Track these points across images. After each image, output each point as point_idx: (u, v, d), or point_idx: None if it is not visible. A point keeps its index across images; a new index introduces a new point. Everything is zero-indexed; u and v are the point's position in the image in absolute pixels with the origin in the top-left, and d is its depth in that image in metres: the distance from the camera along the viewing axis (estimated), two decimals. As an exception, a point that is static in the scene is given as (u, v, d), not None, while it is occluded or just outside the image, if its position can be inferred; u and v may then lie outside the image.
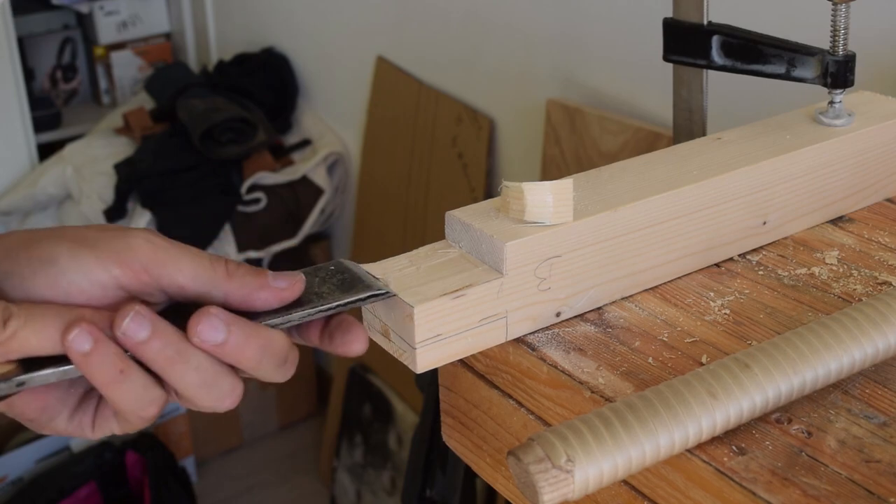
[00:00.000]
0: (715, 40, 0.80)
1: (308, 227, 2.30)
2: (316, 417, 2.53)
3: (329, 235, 2.48)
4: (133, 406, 0.49)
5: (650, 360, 0.59)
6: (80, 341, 0.47)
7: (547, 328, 0.62)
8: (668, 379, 0.53)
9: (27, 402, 0.50)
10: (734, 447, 0.52)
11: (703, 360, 0.59)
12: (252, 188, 2.24)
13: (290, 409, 2.52)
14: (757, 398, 0.52)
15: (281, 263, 2.29)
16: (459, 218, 0.62)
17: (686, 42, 0.82)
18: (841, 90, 0.74)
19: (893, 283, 0.67)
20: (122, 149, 2.32)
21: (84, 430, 0.52)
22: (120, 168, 2.21)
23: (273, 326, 0.52)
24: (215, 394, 0.50)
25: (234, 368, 0.51)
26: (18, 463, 2.04)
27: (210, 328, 0.49)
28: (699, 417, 0.50)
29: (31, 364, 0.48)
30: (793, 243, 0.72)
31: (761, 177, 0.69)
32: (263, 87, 2.38)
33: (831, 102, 0.75)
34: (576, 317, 0.64)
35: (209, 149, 2.20)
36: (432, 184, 2.01)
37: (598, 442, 0.48)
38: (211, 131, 2.19)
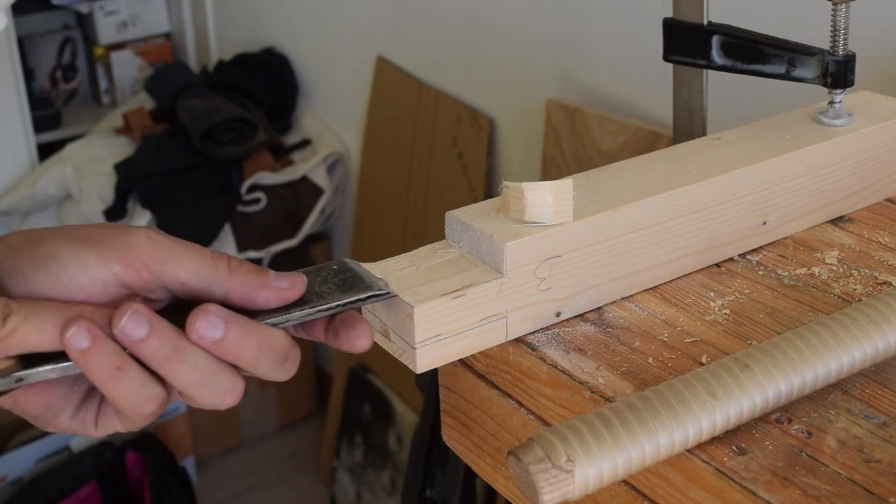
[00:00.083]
0: (715, 40, 0.80)
1: (308, 227, 2.30)
2: (316, 417, 2.53)
3: (329, 235, 2.48)
4: (131, 403, 0.49)
5: (650, 360, 0.59)
6: (78, 338, 0.47)
7: (547, 328, 0.62)
8: (668, 379, 0.53)
9: (31, 399, 0.50)
10: (734, 447, 0.52)
11: (703, 360, 0.59)
12: (252, 188, 2.24)
13: (290, 409, 2.52)
14: (757, 398, 0.52)
15: (281, 263, 2.29)
16: (459, 218, 0.62)
17: (686, 42, 0.82)
18: (841, 90, 0.74)
19: (893, 283, 0.67)
20: (122, 149, 2.32)
21: (87, 428, 0.53)
22: (120, 168, 2.21)
23: (272, 325, 0.52)
24: (215, 391, 0.51)
25: (234, 366, 0.51)
26: (18, 463, 2.04)
27: (208, 325, 0.49)
28: (699, 417, 0.50)
29: (30, 360, 0.48)
30: (793, 243, 0.72)
31: (761, 177, 0.69)
32: (263, 87, 2.38)
33: (831, 102, 0.75)
34: (576, 317, 0.64)
35: (209, 149, 2.20)
36: (432, 184, 2.01)
37: (598, 442, 0.48)
38: (211, 131, 2.19)
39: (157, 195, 2.17)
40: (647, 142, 1.48)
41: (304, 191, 2.29)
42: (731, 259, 0.70)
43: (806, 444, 0.52)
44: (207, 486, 2.35)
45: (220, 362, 0.50)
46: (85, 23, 2.74)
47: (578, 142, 1.59)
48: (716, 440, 0.52)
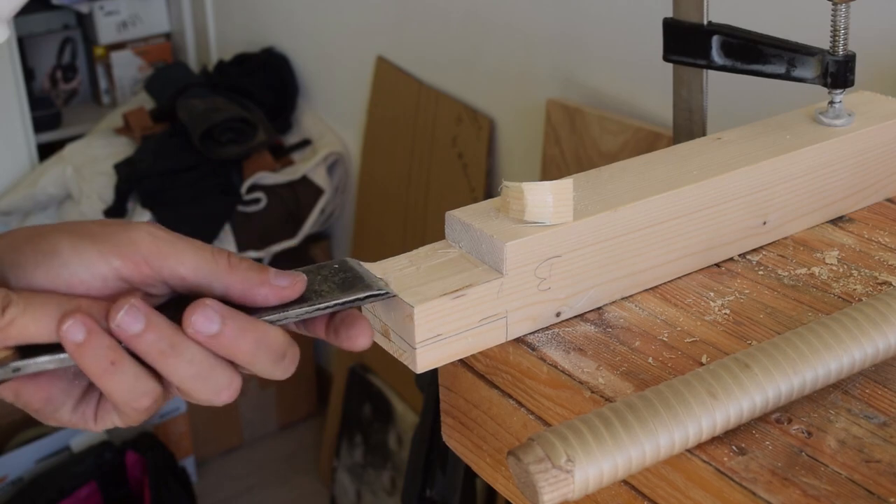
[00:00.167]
0: (715, 40, 0.80)
1: (308, 227, 2.30)
2: (316, 417, 2.53)
3: (329, 235, 2.48)
4: (125, 397, 0.50)
5: (650, 360, 0.59)
6: (74, 332, 0.48)
7: (547, 328, 0.62)
8: (668, 379, 0.53)
9: (33, 392, 0.51)
10: (734, 447, 0.52)
11: (703, 360, 0.59)
12: (252, 188, 2.24)
13: (290, 408, 2.52)
14: (757, 398, 0.52)
15: (281, 263, 2.28)
16: (459, 218, 0.62)
17: (686, 42, 0.82)
18: (841, 90, 0.74)
19: (893, 283, 0.67)
20: (122, 149, 2.32)
21: (87, 422, 0.53)
22: (120, 168, 2.22)
23: (270, 322, 0.52)
24: (211, 387, 0.51)
25: (231, 363, 0.51)
26: (18, 463, 2.04)
27: (204, 319, 0.49)
28: (699, 417, 0.50)
29: (28, 351, 0.49)
30: (793, 243, 0.72)
31: (761, 177, 0.69)
32: (263, 87, 2.38)
33: (831, 102, 0.75)
34: (576, 317, 0.64)
35: (209, 149, 2.20)
36: (432, 184, 2.01)
37: (598, 442, 0.48)
38: (211, 131, 2.19)
39: (157, 195, 2.17)
40: (647, 142, 1.48)
41: (304, 191, 2.29)
42: (731, 259, 0.70)
43: (806, 444, 0.52)
44: (207, 486, 2.35)
45: (217, 358, 0.51)
46: (85, 23, 2.74)
47: (578, 142, 1.59)
48: (716, 440, 0.52)
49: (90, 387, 0.53)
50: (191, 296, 0.51)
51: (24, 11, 2.59)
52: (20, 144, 2.39)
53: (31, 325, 0.48)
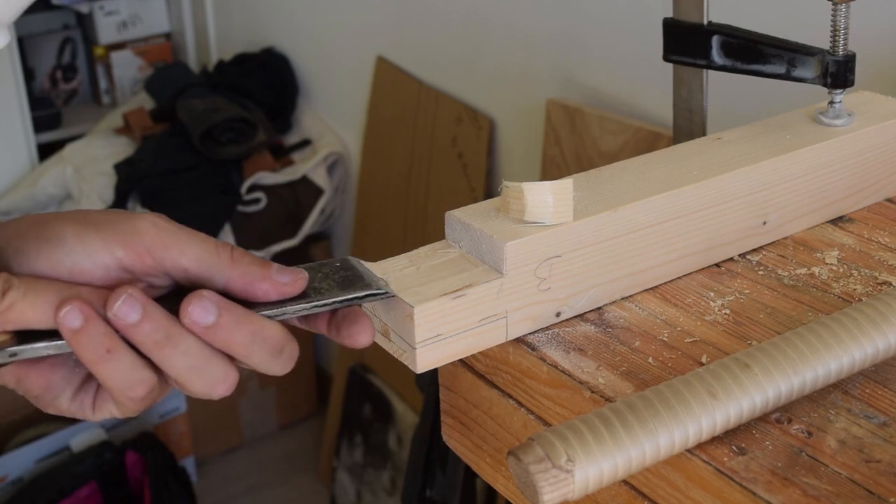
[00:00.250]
0: (715, 40, 0.80)
1: (308, 227, 2.30)
2: (316, 417, 2.53)
3: (329, 235, 2.48)
4: (120, 385, 0.50)
5: (650, 360, 0.59)
6: (71, 318, 0.48)
7: (547, 328, 0.63)
8: (669, 379, 0.53)
9: (33, 379, 0.51)
10: (734, 447, 0.52)
11: (704, 360, 0.59)
12: (252, 188, 2.24)
13: (290, 408, 2.52)
14: (757, 398, 0.52)
15: (281, 263, 2.28)
16: (459, 218, 0.62)
17: (686, 42, 0.82)
18: (841, 90, 0.74)
19: (893, 283, 0.67)
20: (122, 149, 2.32)
21: (85, 412, 0.53)
22: (120, 168, 2.22)
23: (268, 317, 0.52)
24: (206, 379, 0.51)
25: (228, 357, 0.51)
26: (18, 463, 2.04)
27: (201, 310, 0.50)
28: (699, 417, 0.50)
29: (27, 336, 0.49)
30: (793, 243, 0.72)
31: (761, 177, 0.69)
32: (263, 87, 2.38)
33: (831, 102, 0.75)
34: (576, 317, 0.64)
35: (209, 149, 2.20)
36: (432, 184, 2.01)
37: (598, 442, 0.48)
38: (211, 131, 2.19)
39: (157, 195, 2.17)
40: (647, 142, 1.48)
41: (304, 191, 2.29)
42: (731, 259, 0.70)
43: (806, 444, 0.52)
44: (207, 486, 2.35)
45: (213, 351, 0.51)
46: (85, 23, 2.74)
47: (578, 142, 1.59)
48: (716, 440, 0.52)
49: (90, 376, 0.53)
50: (191, 288, 0.52)
51: (24, 11, 2.59)
52: (20, 144, 2.39)
53: (30, 310, 0.48)
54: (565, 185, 0.60)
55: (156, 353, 0.50)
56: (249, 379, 2.38)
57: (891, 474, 0.50)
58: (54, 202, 2.32)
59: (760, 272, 0.69)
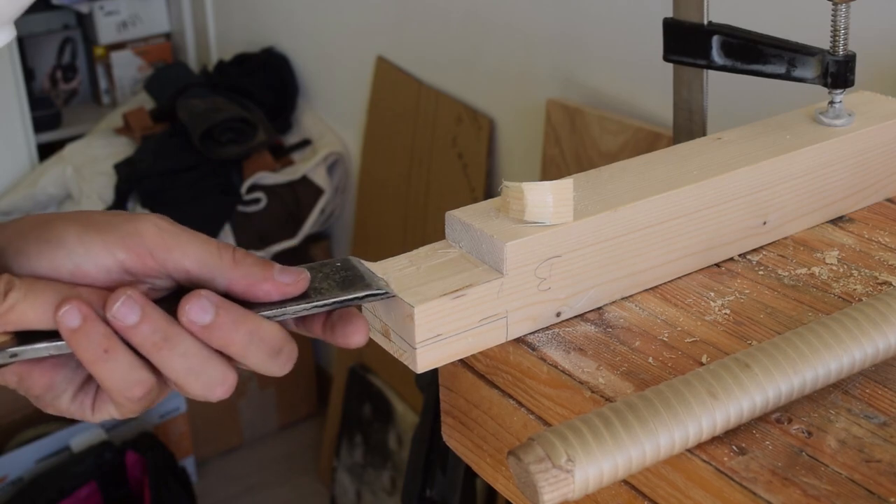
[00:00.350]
0: (715, 40, 0.80)
1: (308, 227, 2.30)
2: (316, 417, 2.53)
3: (329, 235, 2.48)
4: (118, 386, 0.50)
5: (650, 359, 0.59)
6: (70, 318, 0.48)
7: (547, 328, 0.63)
8: (669, 379, 0.53)
9: (36, 378, 0.51)
10: (734, 447, 0.52)
11: (704, 359, 0.59)
12: (252, 188, 2.24)
13: (290, 408, 2.52)
14: (757, 398, 0.52)
15: (281, 263, 2.28)
16: (460, 218, 0.62)
17: (686, 42, 0.82)
18: (841, 90, 0.74)
19: (893, 283, 0.67)
20: (122, 149, 2.32)
21: (85, 412, 0.53)
22: (120, 168, 2.22)
23: (269, 318, 0.52)
24: (204, 381, 0.51)
25: (228, 359, 0.51)
26: (18, 463, 2.04)
27: (199, 309, 0.50)
28: (699, 417, 0.50)
29: (27, 337, 0.49)
30: (793, 243, 0.72)
31: (761, 177, 0.69)
32: (263, 87, 2.38)
33: (831, 102, 0.75)
34: (576, 317, 0.64)
35: (209, 149, 2.20)
36: (432, 184, 2.01)
37: (599, 442, 0.48)
38: (211, 131, 2.19)
39: (157, 195, 2.17)
40: (647, 142, 1.48)
41: (304, 191, 2.29)
42: (732, 259, 0.70)
43: (806, 443, 0.52)
44: (207, 486, 2.35)
45: (211, 353, 0.51)
46: (85, 23, 2.74)
47: (578, 142, 1.59)
48: (716, 440, 0.52)
49: (90, 376, 0.53)
50: (192, 289, 0.52)
51: (25, 10, 2.59)
52: (20, 144, 2.39)
53: (31, 311, 0.49)
54: (565, 185, 0.60)
55: (154, 355, 0.50)
56: (249, 379, 2.38)
57: (891, 474, 0.50)
58: (54, 202, 2.32)
59: (760, 272, 0.69)
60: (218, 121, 2.18)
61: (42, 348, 0.49)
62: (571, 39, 1.63)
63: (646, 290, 0.67)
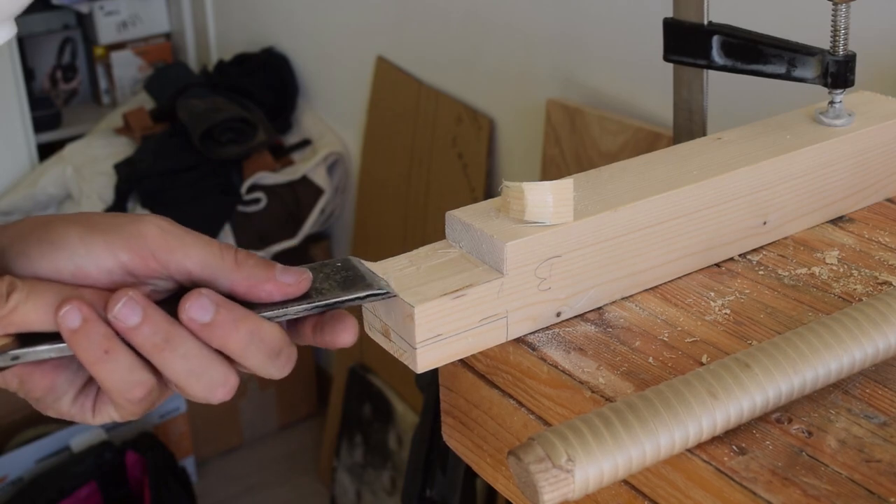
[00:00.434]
0: (715, 40, 0.80)
1: (308, 227, 2.30)
2: (316, 417, 2.53)
3: (329, 235, 2.48)
4: (118, 387, 0.50)
5: (650, 359, 0.59)
6: (70, 318, 0.48)
7: (547, 328, 0.63)
8: (669, 379, 0.53)
9: (38, 380, 0.51)
10: (734, 447, 0.52)
11: (704, 359, 0.59)
12: (252, 188, 2.24)
13: (290, 409, 2.52)
14: (757, 398, 0.52)
15: (281, 263, 2.28)
16: (460, 218, 0.62)
17: (686, 42, 0.82)
18: (841, 90, 0.74)
19: (894, 283, 0.67)
20: (122, 149, 2.32)
21: (85, 415, 0.53)
22: (120, 168, 2.22)
23: (270, 318, 0.52)
24: (205, 383, 0.51)
25: (229, 361, 0.51)
26: (18, 463, 2.04)
27: (199, 307, 0.50)
28: (699, 417, 0.50)
29: (29, 339, 0.49)
30: (793, 243, 0.72)
31: (761, 177, 0.69)
32: (263, 87, 2.38)
33: (831, 102, 0.75)
34: (576, 317, 0.64)
35: (209, 149, 2.20)
36: (432, 184, 2.01)
37: (599, 441, 0.48)
38: (211, 131, 2.19)
39: (157, 195, 2.17)
40: (647, 142, 1.48)
41: (304, 191, 2.29)
42: (732, 259, 0.70)
43: (806, 443, 0.52)
44: (207, 486, 2.35)
45: (213, 354, 0.51)
46: (85, 23, 2.74)
47: (578, 142, 1.59)
48: (716, 440, 0.52)
49: (91, 379, 0.53)
50: None
51: (24, 11, 2.59)
52: (20, 144, 2.39)
53: (33, 312, 0.49)
54: (565, 185, 0.60)
55: (155, 356, 0.50)
56: (249, 379, 2.38)
57: (891, 474, 0.50)
58: (54, 202, 2.32)
59: (761, 272, 0.69)
60: (218, 121, 2.18)
61: (44, 350, 0.49)
62: (571, 39, 1.63)
63: (646, 290, 0.67)
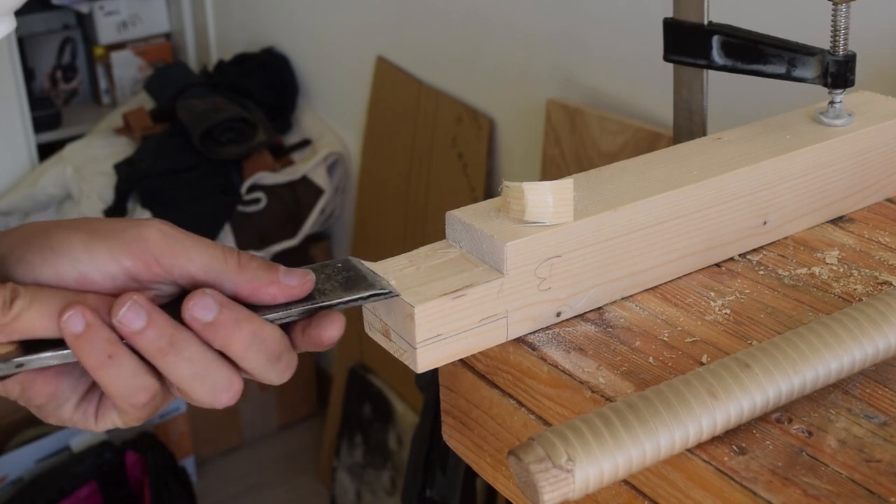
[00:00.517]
0: (715, 40, 0.80)
1: (308, 227, 2.30)
2: (316, 417, 2.53)
3: (329, 235, 2.48)
4: (122, 392, 0.50)
5: (651, 359, 0.59)
6: (73, 323, 0.48)
7: (547, 328, 0.63)
8: (669, 378, 0.53)
9: (40, 387, 0.51)
10: (734, 447, 0.52)
11: (704, 359, 0.59)
12: (252, 188, 2.24)
13: (290, 409, 2.52)
14: (757, 398, 0.52)
15: (281, 263, 2.28)
16: (460, 218, 0.62)
17: (686, 42, 0.82)
18: (841, 90, 0.74)
19: (894, 283, 0.67)
20: (122, 149, 2.32)
21: (88, 421, 0.53)
22: (120, 168, 2.22)
23: (273, 321, 0.52)
24: (210, 387, 0.51)
25: (233, 366, 0.51)
26: (18, 463, 2.04)
27: (202, 306, 0.50)
28: (699, 417, 0.50)
29: (32, 346, 0.49)
30: (793, 243, 0.72)
31: (761, 177, 0.69)
32: (263, 87, 2.38)
33: (831, 102, 0.75)
34: (576, 317, 0.64)
35: (209, 149, 2.20)
36: (432, 184, 2.01)
37: (599, 441, 0.48)
38: (211, 131, 2.19)
39: (157, 195, 2.17)
40: (647, 142, 1.48)
41: (304, 191, 2.29)
42: (732, 259, 0.70)
43: (806, 443, 0.52)
44: (207, 486, 2.35)
45: (217, 358, 0.51)
46: (85, 23, 2.74)
47: (578, 142, 1.59)
48: (716, 440, 0.52)
49: (94, 384, 0.53)
50: None
51: (24, 11, 2.60)
52: (20, 144, 2.39)
53: (37, 319, 0.48)
54: (565, 185, 0.60)
55: (160, 360, 0.50)
56: (249, 380, 2.38)
57: (891, 474, 0.50)
58: (54, 202, 2.32)
59: (761, 272, 0.69)
60: (218, 121, 2.18)
61: (48, 357, 0.49)
62: (571, 39, 1.63)
63: (646, 290, 0.67)
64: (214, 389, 0.51)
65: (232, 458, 2.44)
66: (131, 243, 0.51)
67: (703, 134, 0.88)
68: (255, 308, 0.52)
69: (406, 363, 0.59)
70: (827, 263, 0.69)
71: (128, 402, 0.50)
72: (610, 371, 0.58)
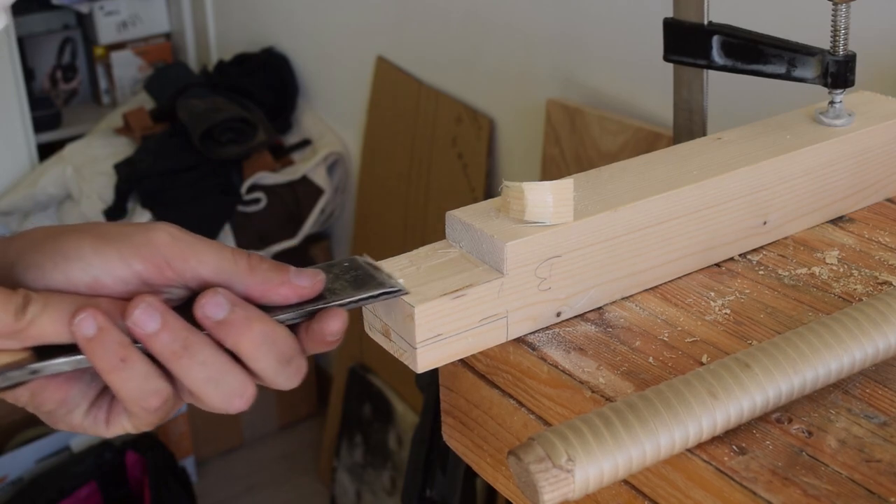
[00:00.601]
0: (715, 40, 0.80)
1: (308, 227, 2.30)
2: (316, 417, 2.53)
3: (329, 235, 2.48)
4: (134, 395, 0.50)
5: (651, 359, 0.59)
6: (86, 326, 0.48)
7: (547, 328, 0.63)
8: (669, 378, 0.53)
9: (51, 393, 0.51)
10: (734, 447, 0.52)
11: (704, 359, 0.59)
12: (252, 188, 2.24)
13: (290, 409, 2.52)
14: (757, 398, 0.52)
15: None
16: (460, 218, 0.62)
17: (686, 42, 0.82)
18: (841, 90, 0.74)
19: (894, 283, 0.67)
20: (122, 149, 2.32)
21: (98, 427, 0.53)
22: (120, 168, 2.22)
23: (284, 321, 0.52)
24: (223, 391, 0.51)
25: (245, 370, 0.51)
26: (18, 463, 2.04)
27: (214, 304, 0.50)
28: (699, 417, 0.50)
29: (45, 352, 0.49)
30: (793, 243, 0.72)
31: (761, 177, 0.69)
32: (263, 87, 2.38)
33: (831, 102, 0.75)
34: (576, 317, 0.64)
35: (209, 149, 2.20)
36: (432, 184, 2.01)
37: (599, 441, 0.48)
38: (211, 131, 2.19)
39: (157, 195, 2.17)
40: (647, 142, 1.48)
41: (304, 191, 2.29)
42: (732, 259, 0.70)
43: (806, 443, 0.52)
44: (207, 486, 2.35)
45: (231, 362, 0.51)
46: (85, 23, 2.74)
47: (578, 142, 1.59)
48: (716, 440, 0.52)
49: (104, 389, 0.53)
50: None
51: (24, 11, 2.60)
52: (20, 144, 2.39)
53: (50, 324, 0.48)
54: (565, 185, 0.60)
55: (173, 363, 0.49)
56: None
57: (891, 474, 0.50)
58: (54, 202, 2.32)
59: (761, 272, 0.69)
60: (218, 121, 2.18)
61: (61, 363, 0.49)
62: (571, 39, 1.63)
63: (646, 290, 0.67)
64: (228, 394, 0.51)
65: (232, 458, 2.44)
66: (141, 247, 0.50)
67: (703, 134, 0.88)
68: (267, 309, 0.52)
69: (406, 363, 0.59)
70: (827, 263, 0.69)
71: (140, 405, 0.50)
72: (610, 371, 0.58)
